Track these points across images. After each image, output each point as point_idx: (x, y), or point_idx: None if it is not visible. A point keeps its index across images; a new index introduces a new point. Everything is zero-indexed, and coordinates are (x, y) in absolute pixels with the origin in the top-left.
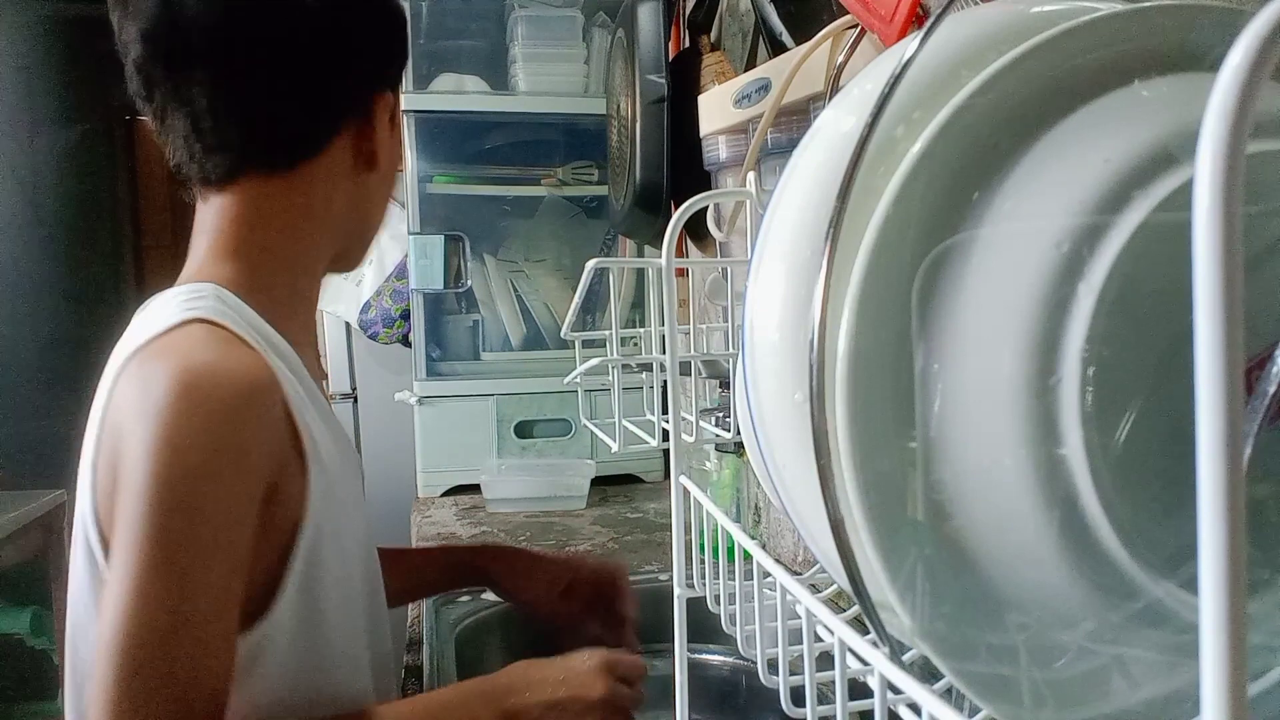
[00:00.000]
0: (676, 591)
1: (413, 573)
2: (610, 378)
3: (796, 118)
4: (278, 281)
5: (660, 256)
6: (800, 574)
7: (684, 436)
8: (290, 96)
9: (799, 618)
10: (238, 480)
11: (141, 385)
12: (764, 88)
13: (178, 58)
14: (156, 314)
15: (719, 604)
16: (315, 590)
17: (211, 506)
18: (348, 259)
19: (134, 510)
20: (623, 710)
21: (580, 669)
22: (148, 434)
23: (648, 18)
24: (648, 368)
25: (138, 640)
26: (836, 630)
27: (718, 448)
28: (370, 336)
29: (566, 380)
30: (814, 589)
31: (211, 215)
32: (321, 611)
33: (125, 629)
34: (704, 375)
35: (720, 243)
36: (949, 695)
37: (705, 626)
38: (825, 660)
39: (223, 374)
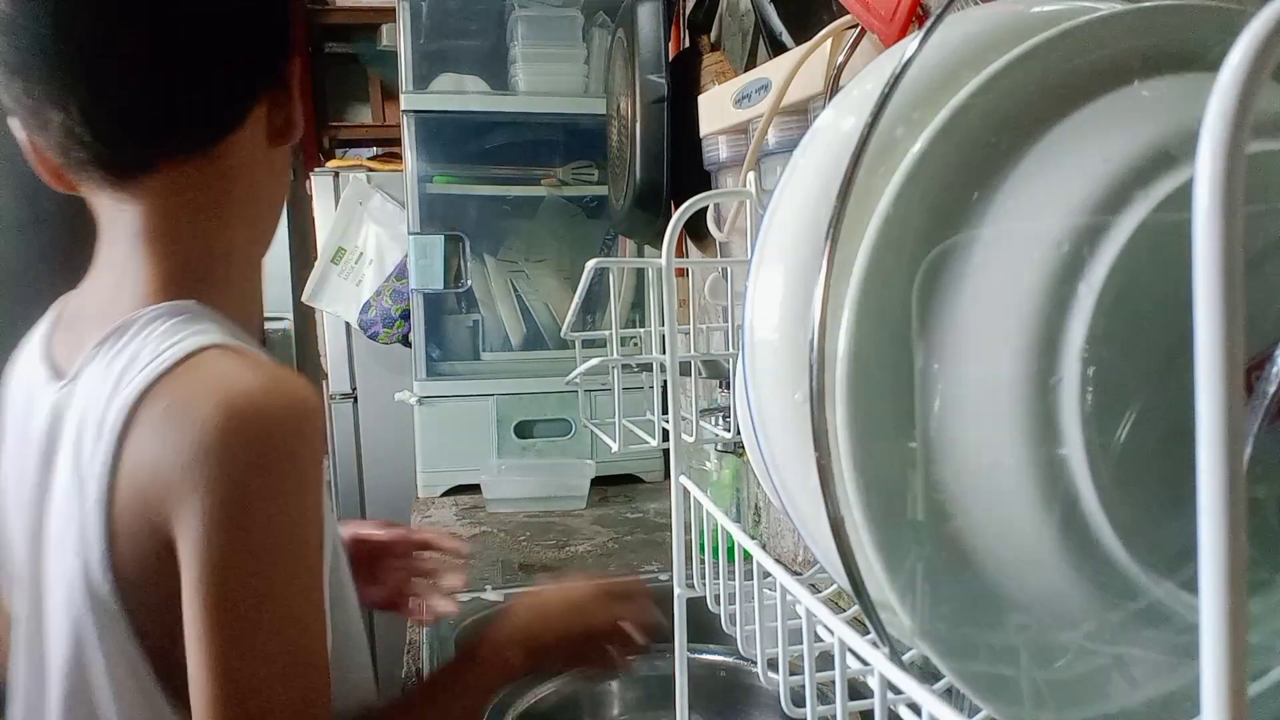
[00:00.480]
0: (676, 591)
1: None
2: (610, 378)
3: (796, 118)
4: (228, 278)
5: (660, 256)
6: (800, 574)
7: (684, 436)
8: (212, 60)
9: (799, 618)
10: (319, 504)
11: (185, 427)
12: (764, 88)
13: (73, 25)
14: (147, 346)
15: (719, 604)
16: (337, 607)
17: (309, 537)
18: (266, 243)
19: (226, 557)
20: (628, 633)
21: (582, 600)
22: (223, 479)
23: (648, 18)
24: (648, 368)
25: (260, 685)
26: (836, 630)
27: (718, 448)
28: (370, 336)
29: (566, 380)
30: (814, 589)
31: (133, 216)
32: (345, 627)
33: (245, 682)
34: (704, 375)
35: (720, 243)
36: (949, 695)
37: (705, 626)
38: (825, 660)
39: (283, 399)
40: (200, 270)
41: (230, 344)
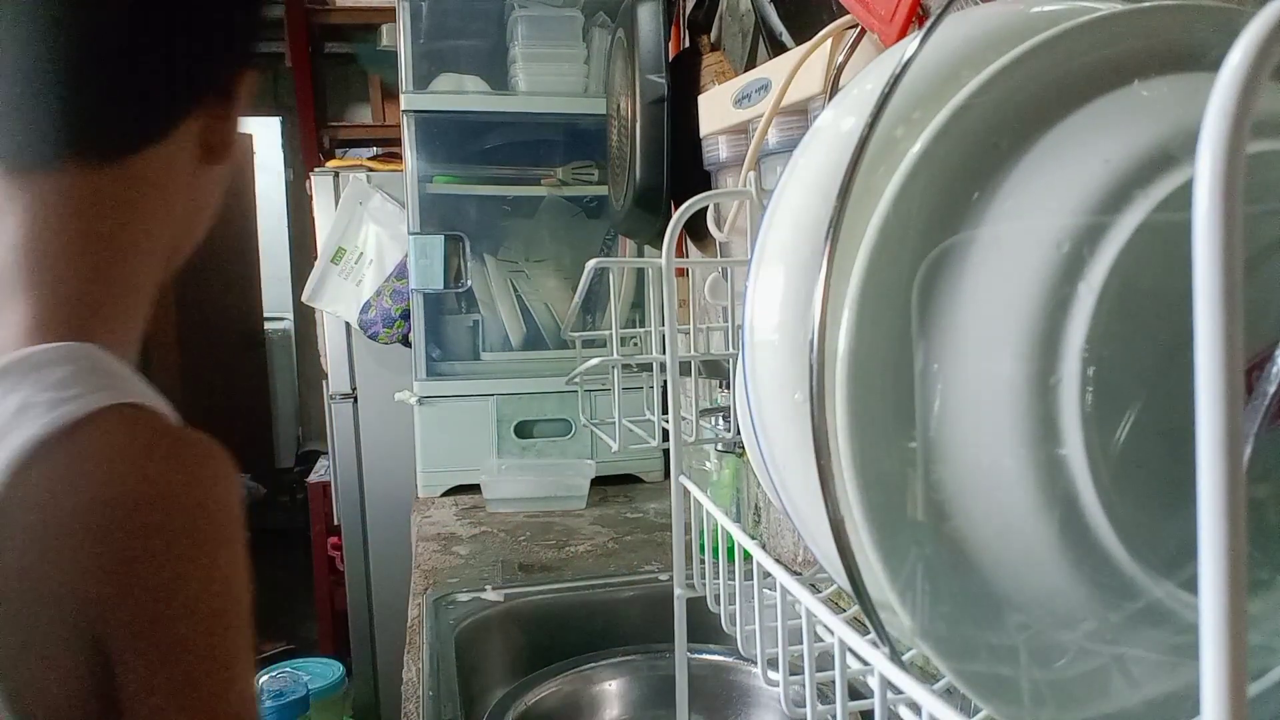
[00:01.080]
0: (676, 591)
1: None
2: (610, 378)
3: (796, 118)
4: (121, 313)
5: (660, 256)
6: (800, 574)
7: (684, 436)
8: (150, 54)
9: (799, 618)
10: (246, 565)
11: (100, 502)
12: (764, 88)
13: None
14: (41, 396)
15: (719, 604)
16: None
17: (244, 600)
18: (170, 273)
19: (172, 635)
20: None
21: None
22: (157, 556)
23: (648, 18)
24: (648, 368)
25: None
26: (836, 630)
27: (718, 448)
28: (370, 336)
29: (567, 380)
30: (814, 589)
31: (19, 223)
32: None
33: None
34: (704, 375)
35: (720, 243)
36: (949, 695)
37: (705, 626)
38: (825, 660)
39: (205, 467)
40: (92, 303)
41: (136, 402)
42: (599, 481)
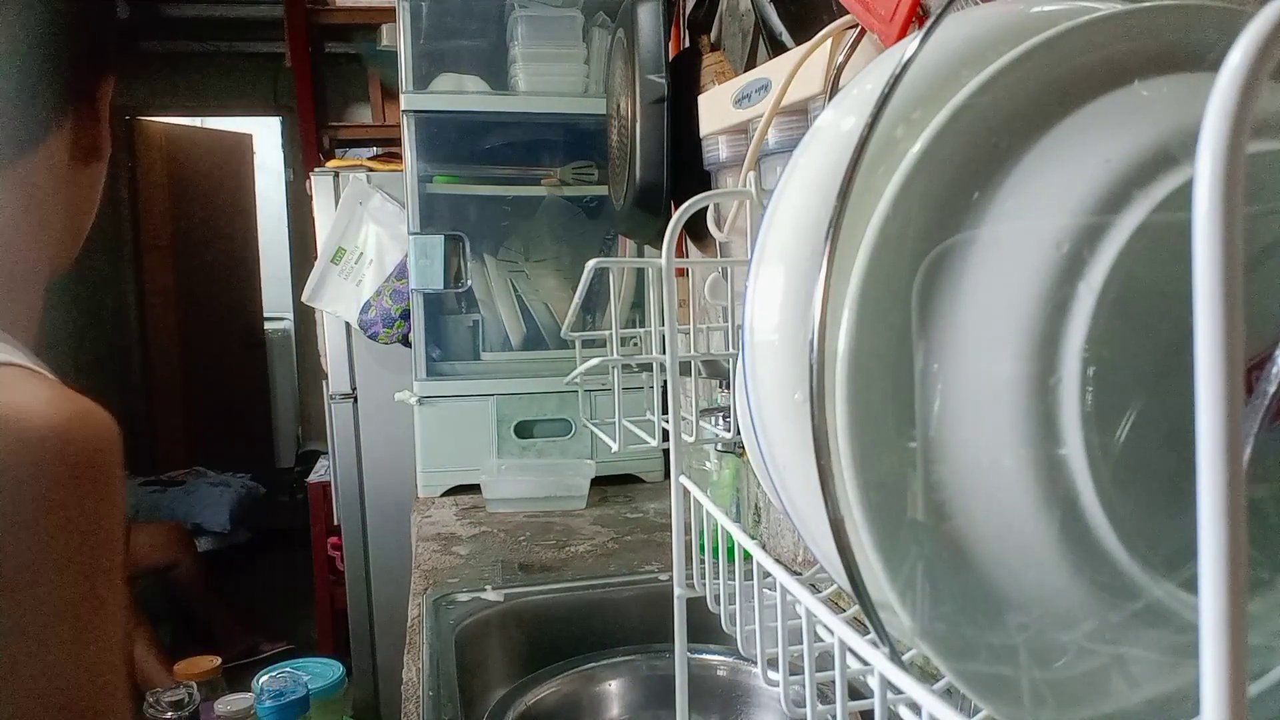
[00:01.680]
0: (676, 591)
1: None
2: (610, 378)
3: (796, 118)
4: (7, 306)
5: (660, 256)
6: (800, 574)
7: (684, 436)
8: (22, 70)
9: (799, 618)
10: (123, 527)
11: None
12: (764, 88)
13: None
14: None
15: (719, 604)
16: None
17: (117, 557)
18: (60, 268)
19: (33, 576)
20: None
21: None
22: (28, 501)
23: (648, 18)
24: (648, 368)
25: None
26: (836, 630)
27: (718, 448)
28: (370, 336)
29: (567, 380)
30: (814, 589)
31: None
32: None
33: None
34: (704, 375)
35: (720, 243)
36: (949, 695)
37: (705, 626)
38: (825, 660)
39: (90, 423)
40: None
41: (24, 363)
42: (599, 481)
